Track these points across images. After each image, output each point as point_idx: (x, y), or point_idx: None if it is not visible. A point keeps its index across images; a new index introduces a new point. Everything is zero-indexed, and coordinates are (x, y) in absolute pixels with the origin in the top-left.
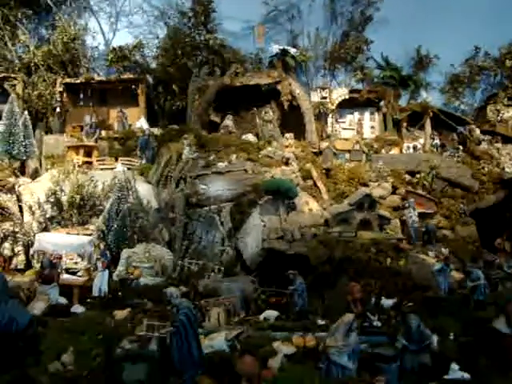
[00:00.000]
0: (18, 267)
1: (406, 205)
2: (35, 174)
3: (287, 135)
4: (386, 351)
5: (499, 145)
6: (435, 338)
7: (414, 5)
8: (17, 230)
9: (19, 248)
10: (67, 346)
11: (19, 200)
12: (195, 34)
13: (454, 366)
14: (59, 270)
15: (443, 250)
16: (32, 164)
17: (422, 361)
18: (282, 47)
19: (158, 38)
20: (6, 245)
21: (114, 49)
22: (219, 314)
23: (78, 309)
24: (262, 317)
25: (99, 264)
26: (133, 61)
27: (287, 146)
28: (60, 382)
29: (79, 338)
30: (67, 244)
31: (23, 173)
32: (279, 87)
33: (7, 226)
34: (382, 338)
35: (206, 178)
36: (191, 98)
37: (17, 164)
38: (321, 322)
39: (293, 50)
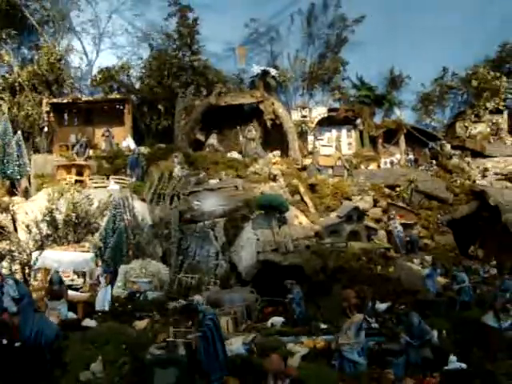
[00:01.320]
0: None
1: (391, 216)
2: (25, 194)
3: (274, 153)
4: (393, 346)
5: (469, 159)
6: (435, 333)
7: (386, 28)
8: (13, 248)
9: (16, 267)
10: (93, 356)
11: (14, 219)
12: (180, 56)
13: (452, 358)
14: None
15: (426, 257)
16: (22, 183)
17: (424, 354)
18: (263, 68)
19: (141, 58)
20: (4, 264)
21: (102, 69)
22: (228, 322)
23: (89, 323)
24: (269, 323)
25: (102, 279)
26: (118, 81)
27: (274, 163)
28: None
29: (103, 348)
30: (70, 261)
31: (14, 192)
32: (262, 106)
33: (3, 245)
34: (380, 339)
35: (199, 194)
36: (178, 118)
37: (7, 183)
38: (323, 326)
39: (273, 71)
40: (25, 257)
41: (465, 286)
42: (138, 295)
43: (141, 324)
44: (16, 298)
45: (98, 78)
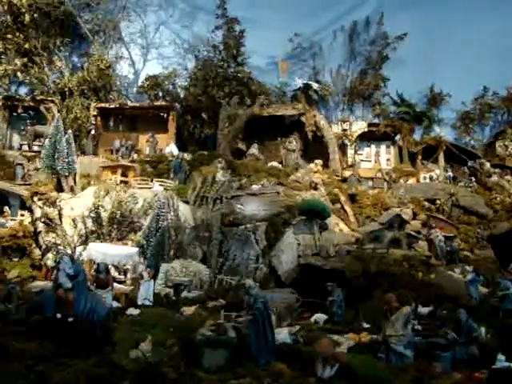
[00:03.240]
0: None
1: (433, 225)
2: (71, 192)
3: (316, 161)
4: (439, 340)
5: (509, 177)
6: (483, 330)
7: (427, 46)
8: (59, 242)
9: None
10: (141, 337)
11: (60, 214)
12: (226, 66)
13: (501, 357)
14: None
15: (467, 267)
16: (69, 181)
17: (471, 352)
18: (305, 81)
19: (186, 69)
20: (50, 255)
21: (150, 77)
22: None
23: (133, 311)
24: (312, 319)
25: (145, 274)
26: (164, 89)
27: (316, 172)
28: (143, 366)
29: (151, 330)
30: (115, 254)
31: (60, 189)
32: (303, 119)
33: (50, 237)
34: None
35: (241, 198)
36: (221, 126)
37: (55, 180)
38: (366, 325)
39: (315, 85)
40: (69, 251)
41: (509, 293)
42: (182, 288)
43: (188, 310)
44: (71, 274)
45: (145, 85)
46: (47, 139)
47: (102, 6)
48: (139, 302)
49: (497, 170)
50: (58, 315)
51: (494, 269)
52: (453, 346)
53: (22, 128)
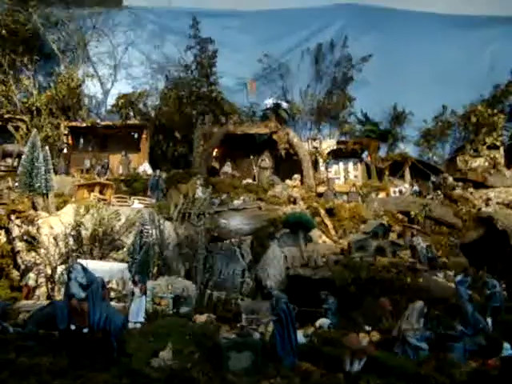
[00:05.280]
0: (41, 299)
1: (414, 233)
2: (45, 210)
3: (294, 176)
4: (452, 332)
5: (471, 189)
6: (489, 321)
7: (389, 67)
8: (38, 261)
9: (42, 279)
10: (158, 346)
11: (39, 233)
12: (199, 85)
13: (507, 346)
14: None
15: (449, 272)
16: (42, 201)
17: (479, 342)
18: (275, 101)
19: (156, 89)
20: (31, 275)
21: (124, 95)
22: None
23: (135, 325)
24: (317, 324)
25: (136, 289)
26: (136, 109)
27: (295, 187)
28: (167, 373)
29: (166, 339)
30: (106, 270)
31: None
32: (275, 137)
33: (29, 257)
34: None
35: (224, 214)
36: (197, 144)
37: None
38: (368, 328)
39: (285, 104)
40: (49, 271)
41: (496, 291)
42: (182, 300)
43: (201, 318)
44: (84, 284)
45: (119, 103)
46: (24, 156)
47: (71, 25)
48: (132, 319)
49: (459, 184)
50: (72, 326)
51: (470, 274)
52: (462, 338)
53: None
